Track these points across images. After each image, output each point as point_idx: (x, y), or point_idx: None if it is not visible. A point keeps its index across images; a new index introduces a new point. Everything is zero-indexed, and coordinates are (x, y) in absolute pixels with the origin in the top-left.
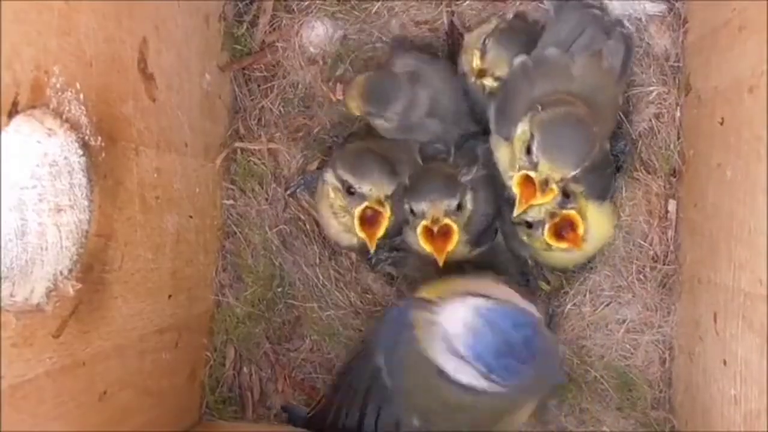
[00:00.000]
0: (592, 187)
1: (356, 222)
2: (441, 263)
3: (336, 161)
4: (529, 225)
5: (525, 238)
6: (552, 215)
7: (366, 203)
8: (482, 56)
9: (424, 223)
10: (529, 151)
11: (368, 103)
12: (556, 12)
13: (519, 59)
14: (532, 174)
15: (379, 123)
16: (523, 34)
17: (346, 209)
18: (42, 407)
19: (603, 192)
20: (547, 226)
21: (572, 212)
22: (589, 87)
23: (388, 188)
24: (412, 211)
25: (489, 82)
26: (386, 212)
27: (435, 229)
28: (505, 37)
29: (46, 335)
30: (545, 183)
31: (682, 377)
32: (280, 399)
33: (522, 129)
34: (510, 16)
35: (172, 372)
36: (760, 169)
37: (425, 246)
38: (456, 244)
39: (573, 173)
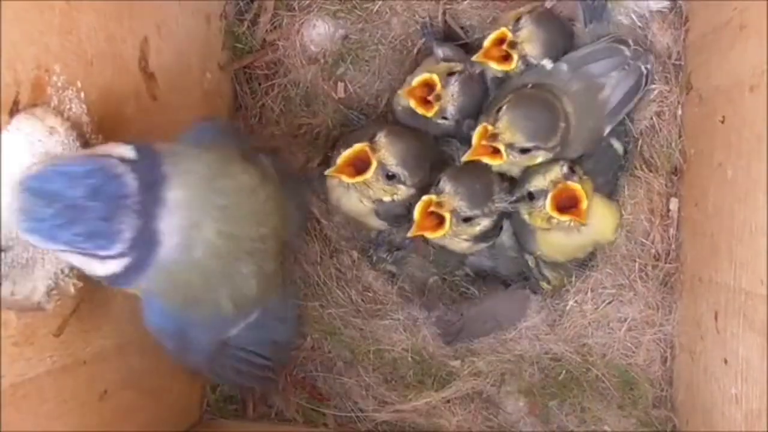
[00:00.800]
0: (601, 189)
1: (346, 153)
2: (410, 233)
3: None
4: (531, 196)
5: (526, 216)
6: (555, 184)
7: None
8: (514, 31)
9: (431, 197)
10: (498, 110)
11: None
12: (590, 32)
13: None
14: (489, 127)
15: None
16: (560, 23)
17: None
18: (43, 406)
19: (609, 193)
20: (550, 195)
21: (576, 185)
22: (579, 107)
23: (395, 161)
24: (438, 181)
25: (515, 60)
26: (373, 165)
27: (431, 209)
28: (544, 18)
29: (47, 334)
30: (494, 137)
31: (683, 376)
32: (281, 397)
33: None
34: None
35: (173, 371)
36: (761, 169)
37: (416, 213)
38: (442, 235)
39: (523, 144)
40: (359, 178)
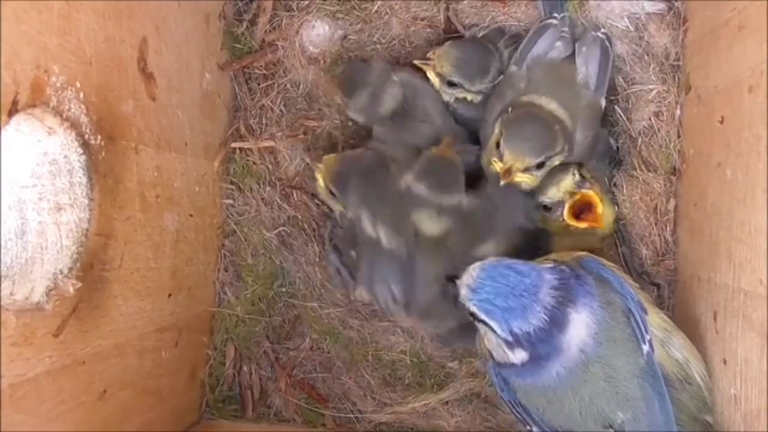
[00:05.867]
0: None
1: None
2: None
3: None
4: (547, 208)
5: (541, 223)
6: (571, 194)
7: None
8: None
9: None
10: (498, 145)
11: (341, 88)
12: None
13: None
14: (499, 164)
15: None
16: (478, 44)
17: None
18: (42, 406)
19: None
20: (566, 205)
21: (590, 192)
22: (562, 96)
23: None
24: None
25: (432, 76)
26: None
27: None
28: (459, 42)
29: (46, 334)
30: (509, 172)
31: None
32: (280, 398)
33: (496, 131)
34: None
35: (172, 371)
36: (760, 169)
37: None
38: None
39: (535, 161)
40: None
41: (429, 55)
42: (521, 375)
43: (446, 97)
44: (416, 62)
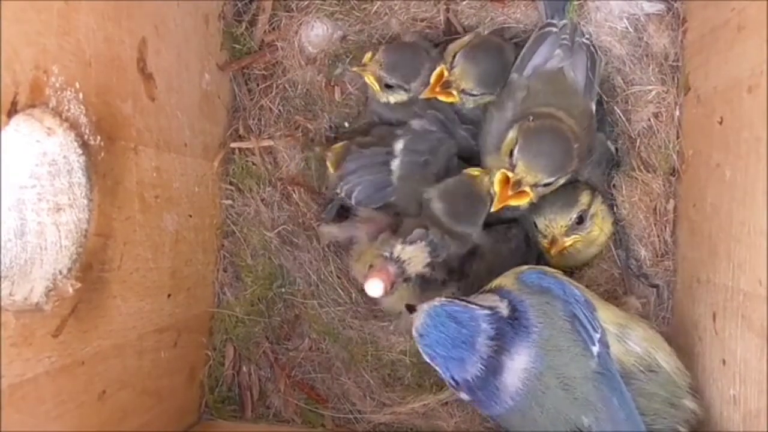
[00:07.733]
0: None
1: None
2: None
3: None
4: (543, 236)
5: (539, 238)
6: (554, 239)
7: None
8: (450, 69)
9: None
10: (511, 154)
11: (391, 72)
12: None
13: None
14: (509, 174)
15: (388, 94)
16: (495, 51)
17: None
18: (41, 407)
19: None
20: (547, 242)
21: (572, 242)
22: (557, 103)
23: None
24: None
25: (454, 95)
26: None
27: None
28: (474, 52)
29: (45, 335)
30: (518, 183)
31: None
32: (279, 398)
33: (511, 136)
34: (486, 31)
35: (171, 371)
36: (760, 169)
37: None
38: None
39: (546, 180)
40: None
41: (445, 73)
42: (481, 407)
43: (468, 104)
44: (438, 95)
